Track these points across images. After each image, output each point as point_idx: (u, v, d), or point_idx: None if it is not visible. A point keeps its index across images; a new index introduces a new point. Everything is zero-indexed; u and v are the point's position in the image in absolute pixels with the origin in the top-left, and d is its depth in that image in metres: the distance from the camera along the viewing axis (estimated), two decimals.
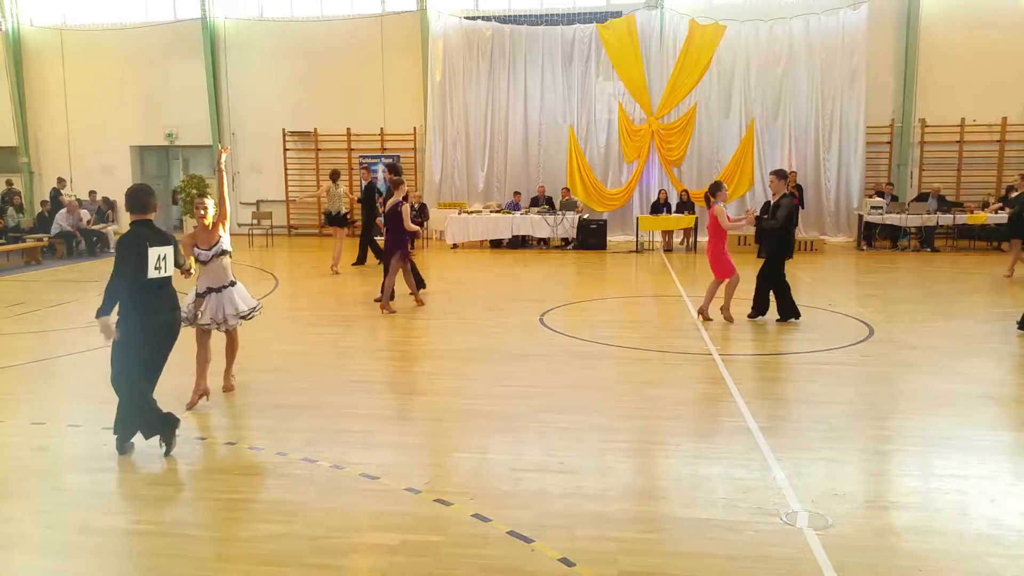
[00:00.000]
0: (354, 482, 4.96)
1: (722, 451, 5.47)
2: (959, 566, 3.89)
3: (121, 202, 21.00)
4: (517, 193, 19.26)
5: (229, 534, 4.31)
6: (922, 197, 17.64)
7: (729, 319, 9.54)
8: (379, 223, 11.30)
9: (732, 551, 4.05)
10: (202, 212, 6.39)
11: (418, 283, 11.39)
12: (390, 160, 20.42)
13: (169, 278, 5.44)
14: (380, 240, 14.04)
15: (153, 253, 5.23)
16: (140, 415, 5.34)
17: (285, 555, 4.05)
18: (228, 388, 6.83)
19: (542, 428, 5.91)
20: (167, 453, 5.40)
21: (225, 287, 6.53)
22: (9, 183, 21.01)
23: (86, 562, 4.05)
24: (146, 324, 5.27)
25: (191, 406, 6.33)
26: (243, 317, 6.67)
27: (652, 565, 3.92)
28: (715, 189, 9.55)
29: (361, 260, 15.00)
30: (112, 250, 18.14)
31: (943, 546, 4.08)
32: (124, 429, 5.41)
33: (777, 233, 9.39)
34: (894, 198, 17.99)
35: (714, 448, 5.53)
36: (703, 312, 9.72)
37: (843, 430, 5.86)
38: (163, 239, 5.37)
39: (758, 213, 10.23)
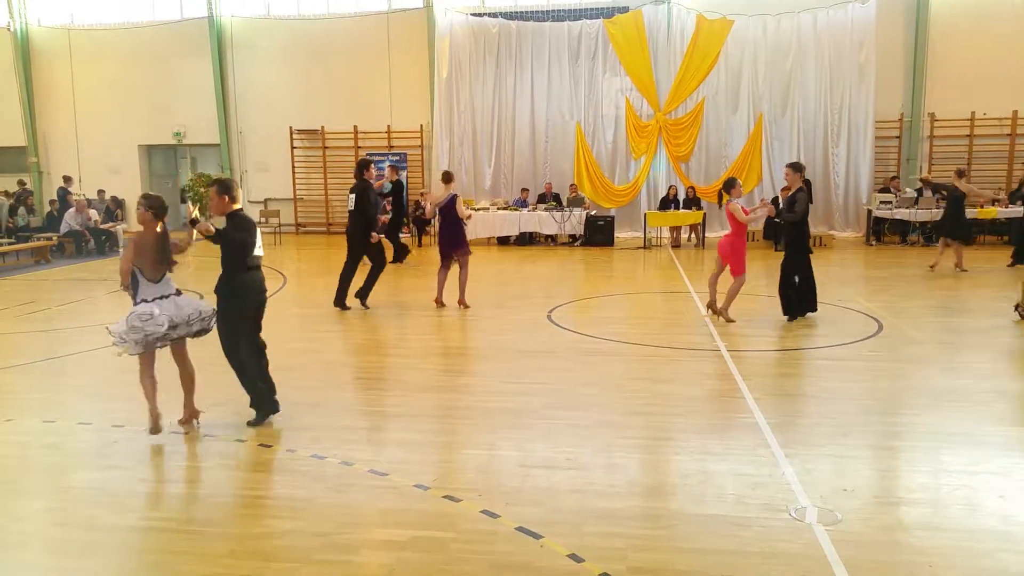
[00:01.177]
0: (362, 479, 4.97)
1: (731, 447, 5.46)
2: (969, 562, 3.88)
3: (130, 202, 21.12)
4: (525, 190, 19.24)
5: (239, 531, 4.33)
6: (919, 192, 17.54)
7: (729, 319, 9.33)
8: (383, 220, 11.19)
9: (741, 547, 4.04)
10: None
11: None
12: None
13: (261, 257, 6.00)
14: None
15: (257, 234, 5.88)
16: (254, 387, 5.94)
17: (295, 551, 4.06)
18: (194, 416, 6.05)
19: (550, 425, 5.91)
20: (251, 423, 5.91)
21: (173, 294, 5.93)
22: (22, 183, 21.15)
23: (96, 560, 4.07)
24: (247, 303, 5.85)
25: (184, 422, 5.94)
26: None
27: (661, 561, 3.92)
28: (729, 185, 9.38)
29: (399, 258, 14.74)
30: (121, 248, 18.27)
31: (953, 542, 4.06)
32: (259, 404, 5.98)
33: (796, 227, 9.27)
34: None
35: (723, 444, 5.52)
36: (719, 310, 9.48)
37: (852, 426, 5.84)
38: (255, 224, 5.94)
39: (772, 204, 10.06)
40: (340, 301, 10.62)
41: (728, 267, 9.39)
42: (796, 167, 9.44)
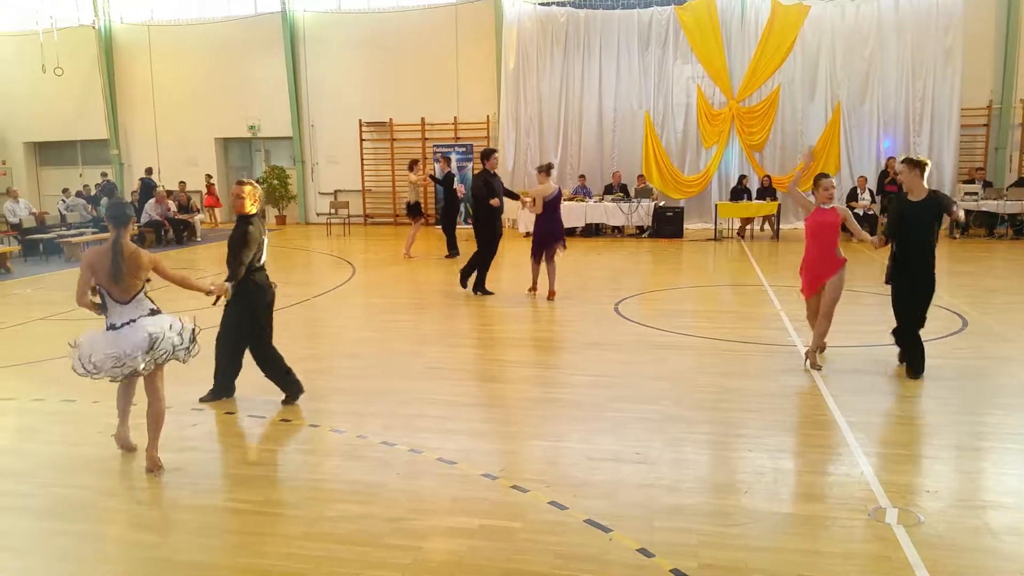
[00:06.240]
0: (431, 466, 5.02)
1: (806, 445, 5.32)
2: None
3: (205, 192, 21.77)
4: (582, 176, 19.04)
5: (313, 513, 4.42)
6: (1021, 182, 16.72)
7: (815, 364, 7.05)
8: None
9: (817, 546, 3.94)
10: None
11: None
12: (465, 147, 20.56)
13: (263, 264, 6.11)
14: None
15: (265, 242, 5.98)
16: (282, 378, 6.25)
17: (367, 535, 4.13)
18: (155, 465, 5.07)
19: (618, 418, 5.85)
20: (201, 399, 6.28)
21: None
22: (104, 175, 22.08)
23: (178, 537, 4.23)
24: (265, 299, 6.06)
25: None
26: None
27: (734, 559, 3.84)
28: (815, 183, 7.03)
29: (454, 252, 14.81)
30: (199, 239, 18.88)
31: None
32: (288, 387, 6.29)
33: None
34: (988, 184, 17.11)
35: (798, 442, 5.38)
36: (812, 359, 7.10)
37: (935, 425, 5.62)
38: (263, 228, 6.05)
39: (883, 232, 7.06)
40: (479, 287, 10.88)
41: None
42: (912, 162, 6.75)
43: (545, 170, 10.52)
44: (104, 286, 4.85)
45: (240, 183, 5.93)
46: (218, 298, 5.67)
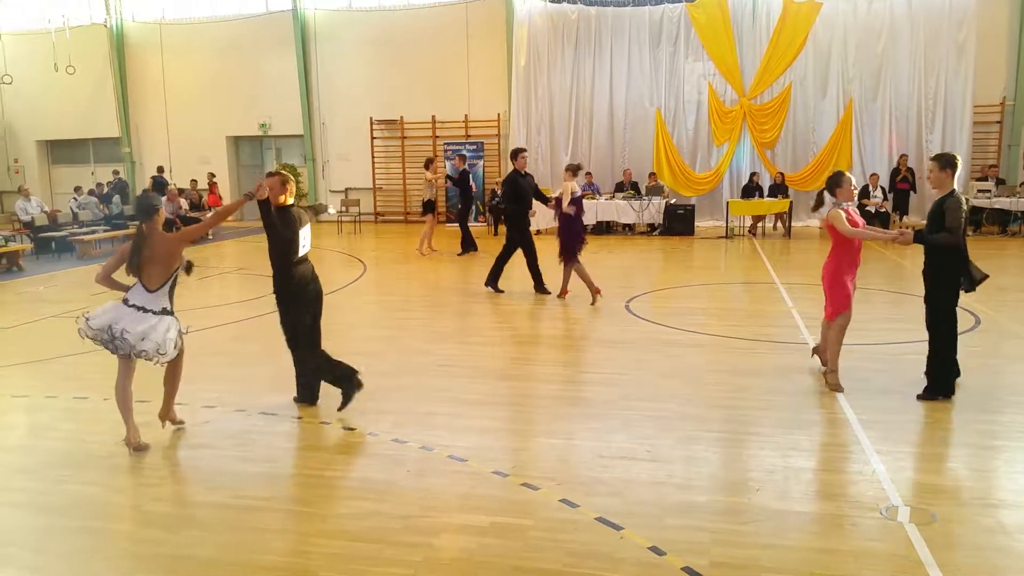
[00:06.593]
0: (442, 464, 5.02)
1: (818, 443, 5.30)
2: None
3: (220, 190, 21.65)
4: (589, 174, 18.96)
5: (325, 510, 4.44)
6: None
7: (836, 385, 6.38)
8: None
9: (829, 545, 3.92)
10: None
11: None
12: (476, 146, 20.56)
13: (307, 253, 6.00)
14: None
15: (302, 233, 5.84)
16: (319, 373, 6.05)
17: (378, 532, 4.14)
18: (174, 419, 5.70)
19: (629, 416, 5.84)
20: (341, 407, 5.92)
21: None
22: (115, 173, 22.20)
23: (189, 534, 4.24)
24: (304, 295, 5.88)
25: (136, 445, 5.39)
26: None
27: (745, 557, 3.82)
28: (834, 183, 6.42)
29: (469, 247, 14.77)
30: (211, 236, 18.93)
31: None
32: (304, 391, 6.16)
33: (943, 253, 5.95)
34: (1001, 181, 16.97)
35: (810, 440, 5.35)
36: (827, 368, 6.57)
37: (947, 423, 5.58)
38: (303, 219, 5.91)
39: (910, 227, 6.56)
40: (492, 282, 10.82)
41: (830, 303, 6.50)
42: (946, 162, 6.09)
43: (573, 170, 10.40)
44: (134, 273, 5.25)
45: (268, 175, 5.82)
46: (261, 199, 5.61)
